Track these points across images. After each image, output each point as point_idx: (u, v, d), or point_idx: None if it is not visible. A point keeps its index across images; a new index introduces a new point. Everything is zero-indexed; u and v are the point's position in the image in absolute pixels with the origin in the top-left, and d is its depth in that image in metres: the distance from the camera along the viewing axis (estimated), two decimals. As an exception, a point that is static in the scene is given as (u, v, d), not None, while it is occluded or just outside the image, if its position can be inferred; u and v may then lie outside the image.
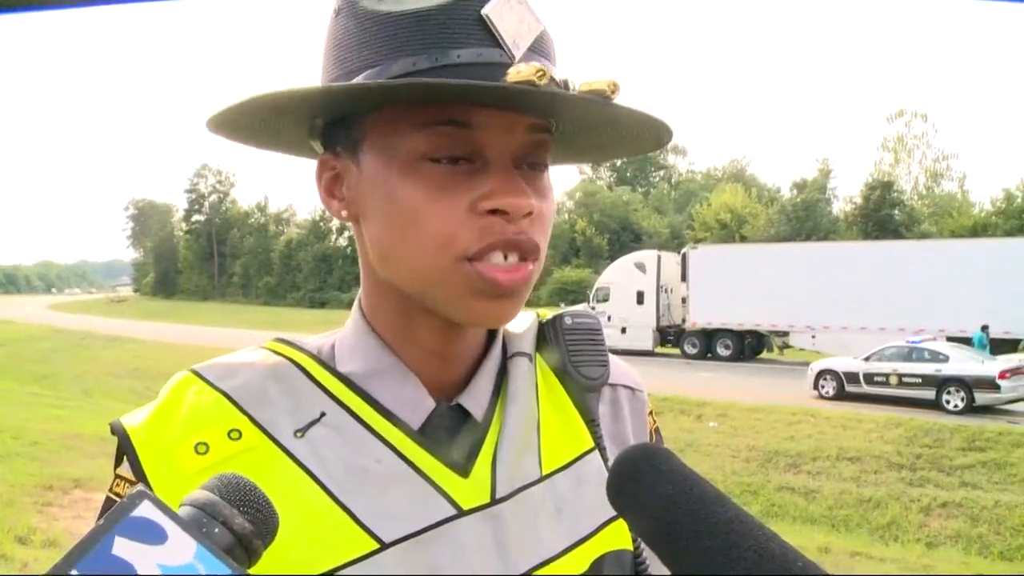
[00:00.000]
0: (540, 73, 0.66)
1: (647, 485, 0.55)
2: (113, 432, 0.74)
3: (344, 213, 0.78)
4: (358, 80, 0.71)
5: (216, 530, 0.50)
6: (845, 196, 51.52)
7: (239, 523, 0.51)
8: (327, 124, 0.77)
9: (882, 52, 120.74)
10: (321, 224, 68.25)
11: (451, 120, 0.69)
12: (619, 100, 0.71)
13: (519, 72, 0.66)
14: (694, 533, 0.51)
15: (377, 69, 0.70)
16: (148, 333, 36.47)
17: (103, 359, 30.29)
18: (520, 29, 0.70)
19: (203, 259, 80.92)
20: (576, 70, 0.74)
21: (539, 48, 0.72)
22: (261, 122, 0.77)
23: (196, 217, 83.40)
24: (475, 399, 0.79)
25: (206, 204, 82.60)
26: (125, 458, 0.72)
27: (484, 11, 0.69)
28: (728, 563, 0.48)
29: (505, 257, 0.71)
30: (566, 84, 0.72)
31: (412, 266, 0.72)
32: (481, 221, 0.69)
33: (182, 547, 0.47)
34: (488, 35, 0.69)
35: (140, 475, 0.70)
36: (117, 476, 0.74)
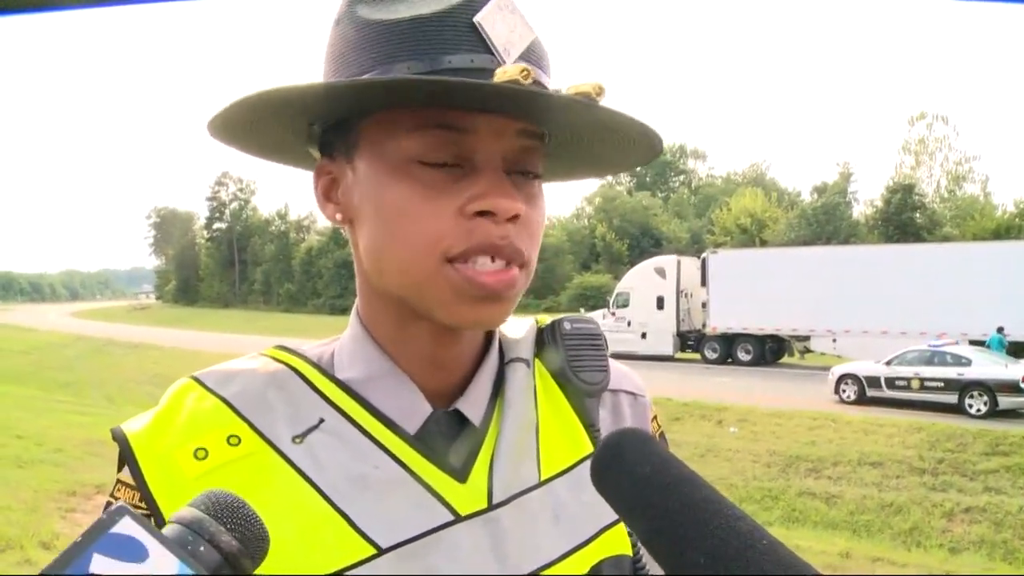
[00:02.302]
0: (525, 72, 0.67)
1: (626, 466, 0.56)
2: (114, 438, 0.75)
3: (339, 217, 0.79)
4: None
5: (201, 548, 0.48)
6: (866, 199, 51.04)
7: (226, 540, 0.50)
8: (325, 130, 0.78)
9: (903, 55, 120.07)
10: (341, 231, 68.20)
11: (444, 124, 0.70)
12: (612, 106, 0.72)
13: (505, 72, 0.67)
14: (666, 512, 0.52)
15: (373, 74, 0.71)
16: (170, 340, 36.64)
17: (126, 366, 30.47)
18: (511, 37, 0.71)
19: (224, 266, 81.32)
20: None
21: (531, 56, 0.73)
22: (258, 126, 0.77)
23: (217, 225, 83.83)
24: (472, 404, 0.80)
25: (227, 212, 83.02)
26: (126, 463, 0.73)
27: (476, 19, 0.70)
28: (697, 539, 0.50)
29: (492, 259, 0.71)
30: (558, 92, 0.73)
31: (401, 268, 0.73)
32: (468, 223, 0.70)
33: (163, 565, 0.46)
34: (480, 42, 0.70)
35: (140, 480, 0.71)
36: (118, 481, 0.75)
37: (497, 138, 0.72)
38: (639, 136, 0.77)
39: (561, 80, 0.76)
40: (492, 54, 0.70)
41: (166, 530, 0.49)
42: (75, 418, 16.03)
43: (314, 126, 0.79)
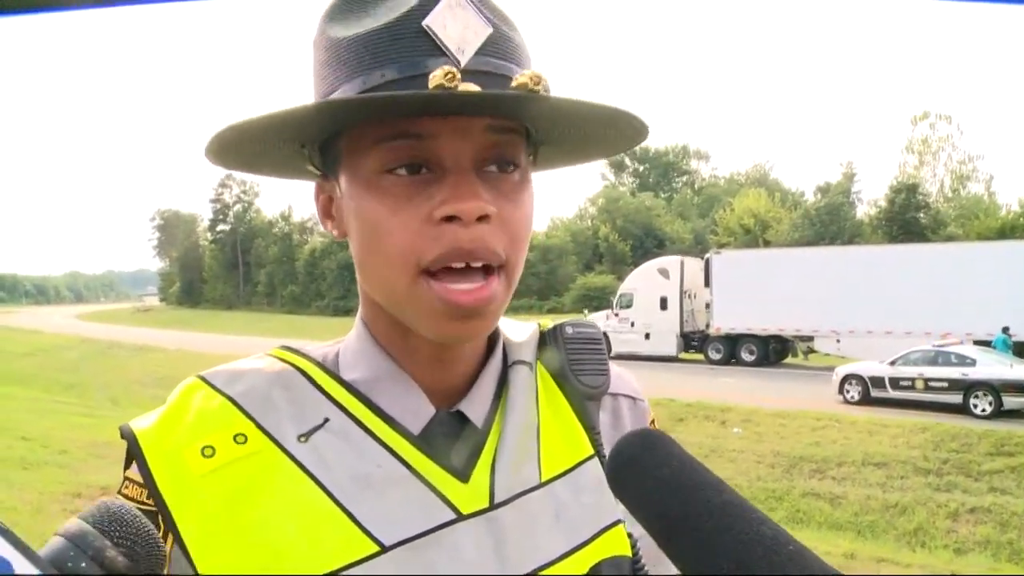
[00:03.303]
0: (450, 76, 0.67)
1: (645, 469, 0.56)
2: (122, 436, 0.76)
3: (335, 232, 0.81)
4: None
5: (83, 564, 0.46)
6: (870, 199, 51.16)
7: (111, 556, 0.48)
8: (316, 149, 0.79)
9: (905, 54, 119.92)
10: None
11: (403, 133, 0.71)
12: (563, 94, 0.71)
13: (433, 77, 0.67)
14: (687, 516, 0.51)
15: (336, 93, 0.72)
16: (174, 342, 36.69)
17: (130, 368, 30.50)
18: (466, 35, 0.71)
19: (228, 268, 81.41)
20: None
21: (491, 50, 0.72)
22: (258, 151, 0.79)
23: (221, 227, 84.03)
24: (475, 406, 0.81)
25: (231, 214, 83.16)
26: (134, 461, 0.74)
27: (425, 22, 0.70)
28: (721, 545, 0.49)
29: (467, 266, 0.71)
30: (539, 81, 0.72)
31: (382, 282, 0.75)
32: (436, 230, 0.70)
33: None
34: (433, 45, 0.70)
35: (148, 477, 0.72)
36: (126, 478, 0.75)
37: (462, 138, 0.72)
38: (611, 119, 0.77)
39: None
40: (446, 55, 0.70)
41: (51, 542, 0.47)
42: (80, 420, 16.05)
43: (304, 148, 0.79)
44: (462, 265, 0.71)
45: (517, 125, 0.75)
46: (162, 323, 59.11)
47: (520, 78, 0.71)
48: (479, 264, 0.72)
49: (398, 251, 0.71)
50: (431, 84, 0.67)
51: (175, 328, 49.97)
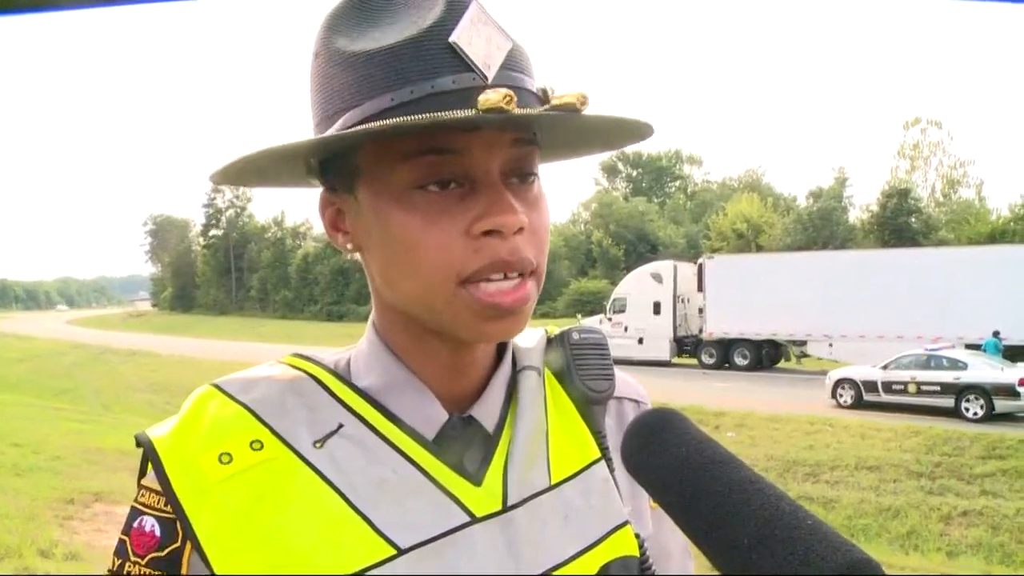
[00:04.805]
0: (508, 99, 0.67)
1: (662, 446, 0.57)
2: (138, 444, 0.76)
3: (349, 246, 0.81)
4: (340, 122, 0.73)
5: None
6: (862, 204, 51.06)
7: None
8: (323, 162, 0.80)
9: (897, 60, 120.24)
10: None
11: (434, 148, 0.71)
12: (596, 112, 0.74)
13: (488, 100, 0.67)
14: (705, 492, 0.52)
15: (359, 109, 0.72)
16: (166, 347, 36.59)
17: (122, 373, 30.40)
18: (490, 50, 0.72)
19: (221, 273, 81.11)
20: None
21: (512, 64, 0.74)
22: (259, 171, 0.80)
23: (214, 232, 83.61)
24: (486, 411, 0.82)
25: (223, 219, 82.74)
26: (151, 468, 0.75)
27: (452, 39, 0.71)
28: (738, 521, 0.50)
29: (505, 276, 0.73)
30: (544, 92, 0.75)
31: (416, 293, 0.75)
32: (476, 243, 0.72)
33: None
34: (459, 61, 0.71)
35: (165, 484, 0.73)
36: (142, 487, 0.76)
37: (490, 151, 0.73)
38: (622, 127, 0.79)
39: (548, 79, 0.77)
40: (473, 71, 0.71)
41: None
42: (73, 426, 15.95)
43: (311, 160, 0.80)
44: (501, 276, 0.73)
45: (535, 136, 0.77)
46: (154, 328, 58.99)
47: (567, 97, 0.72)
48: (516, 274, 0.74)
49: (436, 265, 0.72)
50: (484, 106, 0.67)
51: (167, 333, 49.86)
